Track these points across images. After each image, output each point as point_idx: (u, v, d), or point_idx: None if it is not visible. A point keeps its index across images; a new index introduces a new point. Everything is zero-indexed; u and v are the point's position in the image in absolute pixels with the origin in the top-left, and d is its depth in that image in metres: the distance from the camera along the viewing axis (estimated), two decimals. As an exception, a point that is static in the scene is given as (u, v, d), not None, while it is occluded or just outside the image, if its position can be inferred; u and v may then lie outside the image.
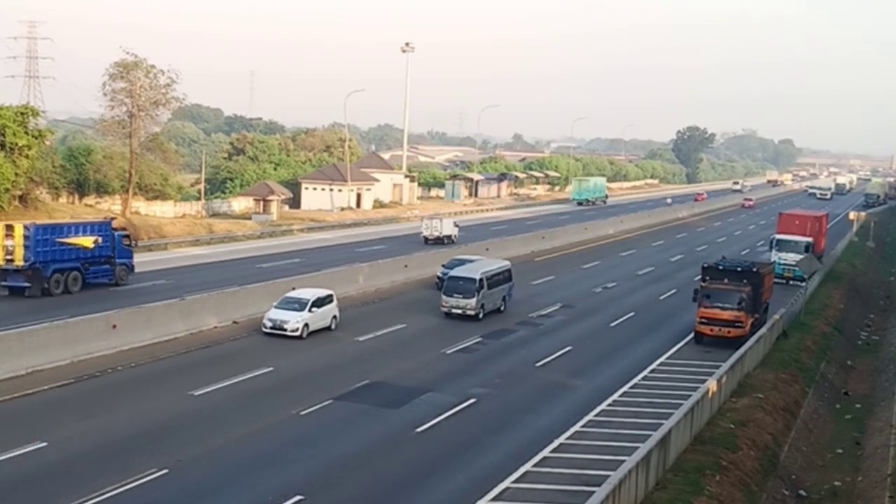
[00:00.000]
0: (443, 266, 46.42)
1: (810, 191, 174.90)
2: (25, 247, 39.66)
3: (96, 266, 43.12)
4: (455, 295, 39.13)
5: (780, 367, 34.42)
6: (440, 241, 65.84)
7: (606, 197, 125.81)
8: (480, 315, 39.11)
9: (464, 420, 25.75)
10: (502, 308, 41.25)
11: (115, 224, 46.70)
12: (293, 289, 38.63)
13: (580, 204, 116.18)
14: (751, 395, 29.64)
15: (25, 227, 40.35)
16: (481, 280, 39.32)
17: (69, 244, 41.65)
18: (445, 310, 39.32)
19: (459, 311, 38.89)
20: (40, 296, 39.62)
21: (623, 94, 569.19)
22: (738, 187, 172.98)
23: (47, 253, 40.46)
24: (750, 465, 24.20)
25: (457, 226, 69.88)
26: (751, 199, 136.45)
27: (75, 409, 24.96)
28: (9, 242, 39.64)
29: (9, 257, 39.65)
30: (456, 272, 40.88)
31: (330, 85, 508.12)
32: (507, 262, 44.30)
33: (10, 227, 40.23)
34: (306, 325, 34.65)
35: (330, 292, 37.19)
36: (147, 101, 68.24)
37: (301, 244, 64.66)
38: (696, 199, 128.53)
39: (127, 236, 45.92)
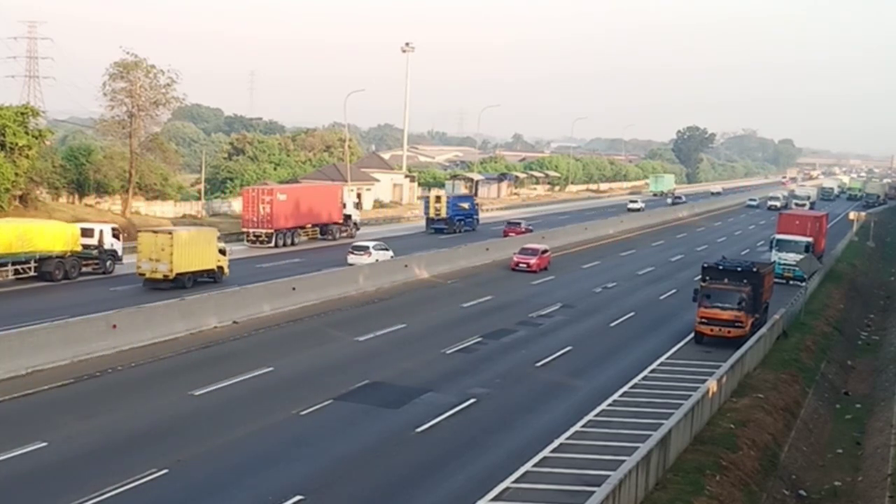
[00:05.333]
0: None
1: (770, 202, 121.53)
2: (447, 207, 76.43)
3: (468, 219, 79.11)
4: None
5: (780, 367, 34.42)
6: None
7: (674, 190, 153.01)
8: None
9: (464, 420, 25.74)
10: None
11: (475, 198, 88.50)
12: (293, 289, 38.38)
13: (655, 195, 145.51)
14: (751, 395, 29.63)
15: (447, 198, 78.76)
16: None
17: (460, 207, 78.39)
18: None
19: None
20: (451, 233, 74.58)
21: (623, 94, 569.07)
22: (820, 172, 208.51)
23: (453, 211, 77.09)
24: (750, 465, 24.20)
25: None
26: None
27: (75, 409, 24.94)
28: (437, 205, 76.39)
29: (437, 214, 76.34)
30: None
31: (330, 85, 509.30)
32: None
33: (438, 198, 78.26)
34: None
35: None
36: (147, 101, 68.29)
37: (300, 243, 64.62)
38: (783, 184, 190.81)
39: (476, 204, 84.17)
